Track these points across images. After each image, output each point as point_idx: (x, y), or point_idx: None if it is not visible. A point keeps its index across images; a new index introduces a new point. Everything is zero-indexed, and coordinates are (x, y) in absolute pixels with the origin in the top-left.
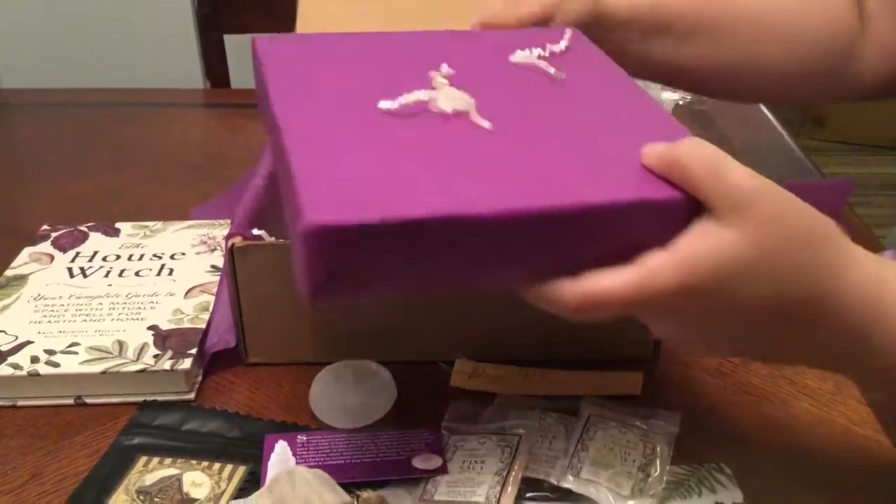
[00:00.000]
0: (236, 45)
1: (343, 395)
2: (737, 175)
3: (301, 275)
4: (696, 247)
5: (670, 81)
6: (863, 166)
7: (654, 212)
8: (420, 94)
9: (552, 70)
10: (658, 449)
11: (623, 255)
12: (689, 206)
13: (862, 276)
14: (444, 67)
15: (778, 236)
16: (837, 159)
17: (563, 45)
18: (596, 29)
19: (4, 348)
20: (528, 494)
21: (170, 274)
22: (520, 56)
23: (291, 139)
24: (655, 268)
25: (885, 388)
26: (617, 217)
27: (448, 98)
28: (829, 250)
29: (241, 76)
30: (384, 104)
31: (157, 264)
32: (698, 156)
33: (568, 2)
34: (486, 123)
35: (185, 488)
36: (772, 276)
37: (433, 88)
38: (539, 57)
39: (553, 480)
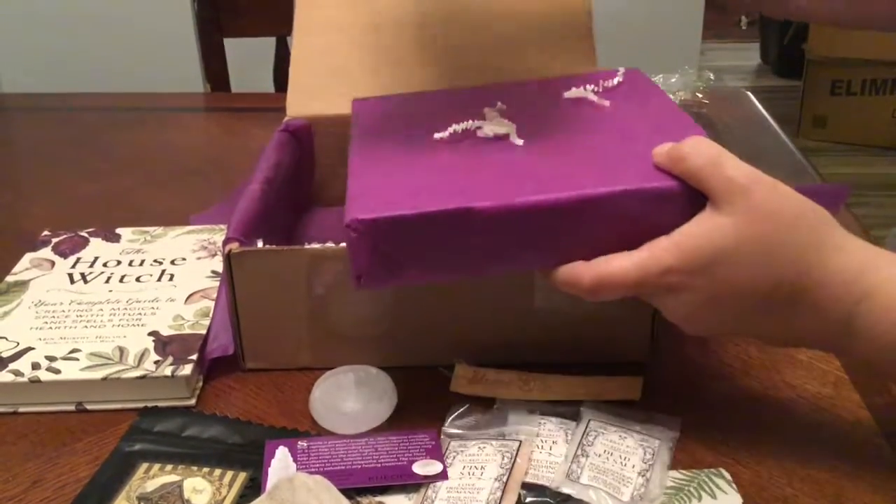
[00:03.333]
0: (236, 49)
1: (344, 400)
2: (732, 167)
3: (350, 263)
4: (695, 231)
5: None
6: (862, 167)
7: (654, 200)
8: (468, 123)
9: (596, 99)
10: (658, 454)
11: (634, 242)
12: (690, 197)
13: (846, 261)
14: (498, 104)
15: (767, 221)
16: (837, 159)
17: (615, 80)
18: None
19: (5, 355)
20: (528, 500)
21: (170, 279)
22: (573, 91)
23: (356, 161)
24: (658, 250)
25: (871, 368)
26: (619, 205)
27: (492, 125)
28: (815, 235)
29: (240, 80)
30: (438, 134)
31: (157, 270)
32: (699, 151)
33: None
34: (518, 141)
35: (186, 495)
36: (762, 257)
37: (485, 120)
38: (593, 92)
39: (553, 486)
